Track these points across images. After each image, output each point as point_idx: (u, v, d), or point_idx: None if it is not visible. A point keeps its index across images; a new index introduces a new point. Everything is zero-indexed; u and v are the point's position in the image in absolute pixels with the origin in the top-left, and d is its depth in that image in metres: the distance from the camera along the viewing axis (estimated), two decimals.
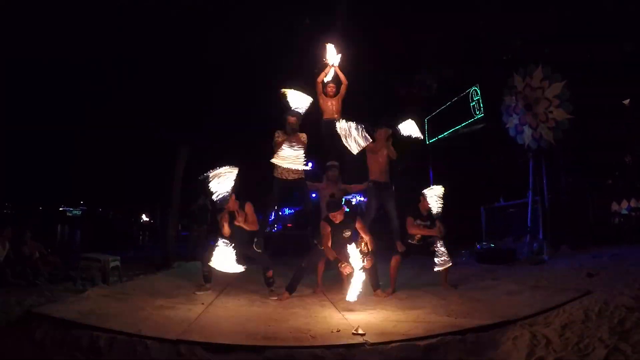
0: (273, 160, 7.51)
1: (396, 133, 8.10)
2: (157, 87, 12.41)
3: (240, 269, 6.70)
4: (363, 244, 6.83)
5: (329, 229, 6.72)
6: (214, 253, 6.73)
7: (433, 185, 7.68)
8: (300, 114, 7.59)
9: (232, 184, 6.83)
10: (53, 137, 17.33)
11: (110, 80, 13.16)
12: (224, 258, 6.69)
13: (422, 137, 8.36)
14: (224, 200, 7.01)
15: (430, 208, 7.35)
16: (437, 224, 7.33)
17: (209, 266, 7.28)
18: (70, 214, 53.12)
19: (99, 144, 17.89)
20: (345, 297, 6.41)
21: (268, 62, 11.60)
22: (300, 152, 7.54)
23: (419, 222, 7.46)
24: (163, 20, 11.76)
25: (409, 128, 8.19)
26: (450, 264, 7.28)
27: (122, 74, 12.92)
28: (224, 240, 6.80)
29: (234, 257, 6.71)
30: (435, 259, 7.18)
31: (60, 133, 17.03)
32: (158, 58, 12.39)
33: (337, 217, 6.71)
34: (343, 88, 8.61)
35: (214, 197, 6.85)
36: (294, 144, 7.49)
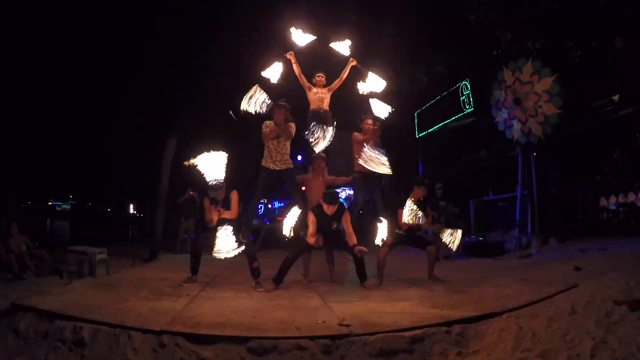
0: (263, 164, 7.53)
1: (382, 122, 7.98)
2: (145, 80, 12.37)
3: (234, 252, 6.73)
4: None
5: (315, 219, 6.73)
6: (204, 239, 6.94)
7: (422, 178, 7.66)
8: (287, 106, 7.52)
9: (223, 169, 6.85)
10: (42, 131, 17.17)
11: (96, 73, 13.09)
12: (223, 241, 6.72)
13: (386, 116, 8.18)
14: (216, 189, 6.98)
15: (420, 199, 7.33)
16: (426, 222, 7.28)
17: (196, 258, 7.28)
18: (59, 208, 52.91)
19: (88, 138, 17.77)
20: (332, 288, 6.47)
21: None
22: (286, 149, 7.57)
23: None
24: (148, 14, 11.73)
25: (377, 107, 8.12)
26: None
27: (109, 67, 12.86)
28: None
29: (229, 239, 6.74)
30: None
31: (49, 127, 16.89)
32: (145, 51, 12.34)
33: (330, 209, 6.72)
34: (337, 82, 8.48)
35: (207, 179, 6.84)
36: (280, 137, 7.47)
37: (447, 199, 10.87)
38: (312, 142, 7.43)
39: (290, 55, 8.14)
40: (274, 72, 7.99)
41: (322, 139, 7.44)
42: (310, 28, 8.18)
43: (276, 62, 7.97)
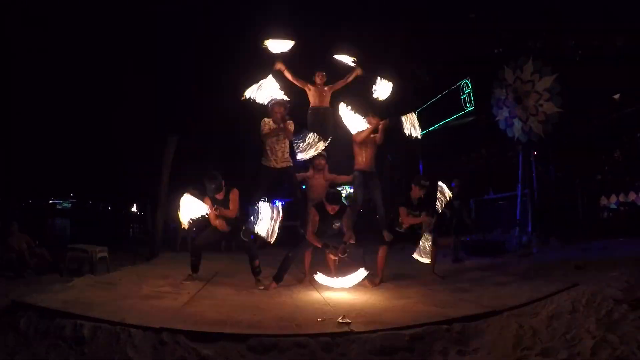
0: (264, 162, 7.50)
1: (391, 123, 7.95)
2: (148, 78, 12.38)
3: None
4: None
5: (318, 217, 6.72)
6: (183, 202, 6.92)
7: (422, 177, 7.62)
8: (286, 102, 7.47)
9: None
10: (43, 129, 17.20)
11: (97, 72, 13.11)
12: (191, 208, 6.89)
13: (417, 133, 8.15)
14: (217, 188, 6.98)
15: (420, 197, 7.31)
16: (424, 216, 7.27)
17: (196, 256, 7.27)
18: (60, 207, 52.83)
19: (89, 137, 17.79)
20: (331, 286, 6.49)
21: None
22: (285, 148, 7.53)
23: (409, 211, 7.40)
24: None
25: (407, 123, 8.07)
26: (427, 261, 7.27)
27: (110, 66, 12.88)
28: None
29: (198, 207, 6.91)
30: (418, 248, 7.19)
31: (50, 126, 16.92)
32: (145, 51, 12.36)
33: (333, 209, 6.73)
34: (341, 83, 8.44)
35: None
36: (280, 135, 7.42)
37: (462, 199, 10.77)
38: (300, 147, 7.41)
39: (279, 65, 7.99)
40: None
41: (311, 147, 7.44)
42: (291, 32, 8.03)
43: (263, 80, 7.59)
